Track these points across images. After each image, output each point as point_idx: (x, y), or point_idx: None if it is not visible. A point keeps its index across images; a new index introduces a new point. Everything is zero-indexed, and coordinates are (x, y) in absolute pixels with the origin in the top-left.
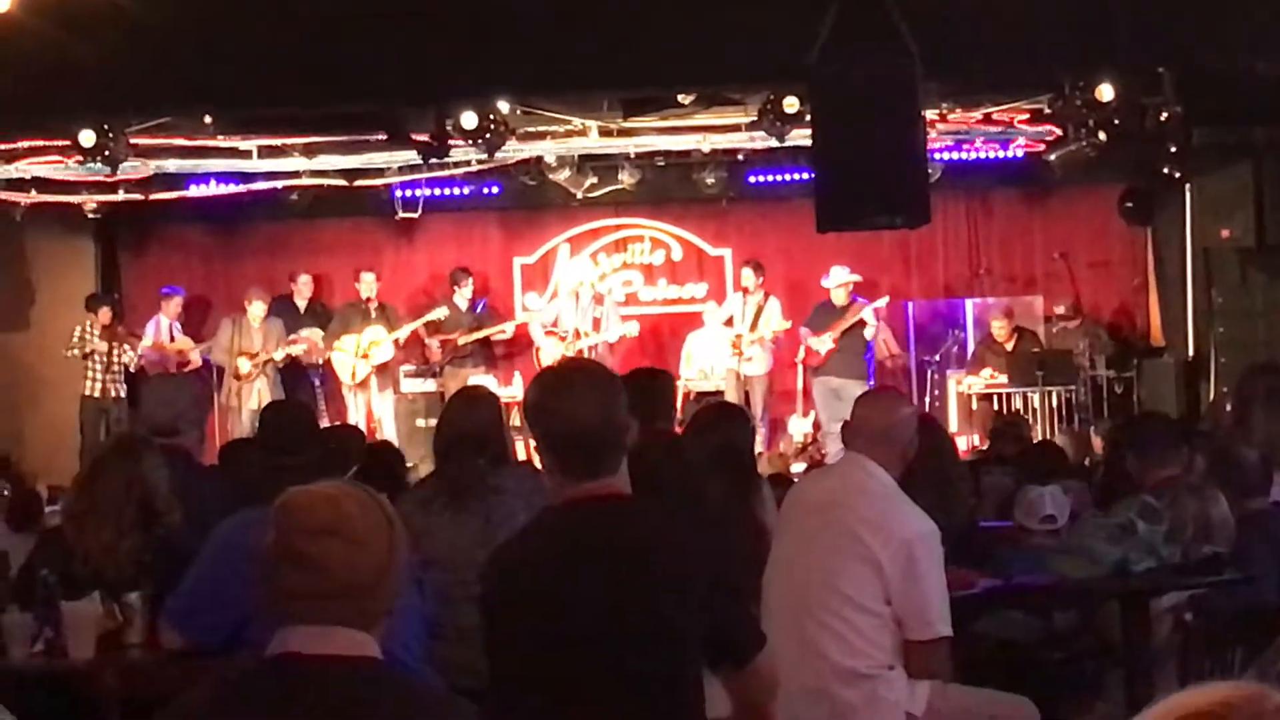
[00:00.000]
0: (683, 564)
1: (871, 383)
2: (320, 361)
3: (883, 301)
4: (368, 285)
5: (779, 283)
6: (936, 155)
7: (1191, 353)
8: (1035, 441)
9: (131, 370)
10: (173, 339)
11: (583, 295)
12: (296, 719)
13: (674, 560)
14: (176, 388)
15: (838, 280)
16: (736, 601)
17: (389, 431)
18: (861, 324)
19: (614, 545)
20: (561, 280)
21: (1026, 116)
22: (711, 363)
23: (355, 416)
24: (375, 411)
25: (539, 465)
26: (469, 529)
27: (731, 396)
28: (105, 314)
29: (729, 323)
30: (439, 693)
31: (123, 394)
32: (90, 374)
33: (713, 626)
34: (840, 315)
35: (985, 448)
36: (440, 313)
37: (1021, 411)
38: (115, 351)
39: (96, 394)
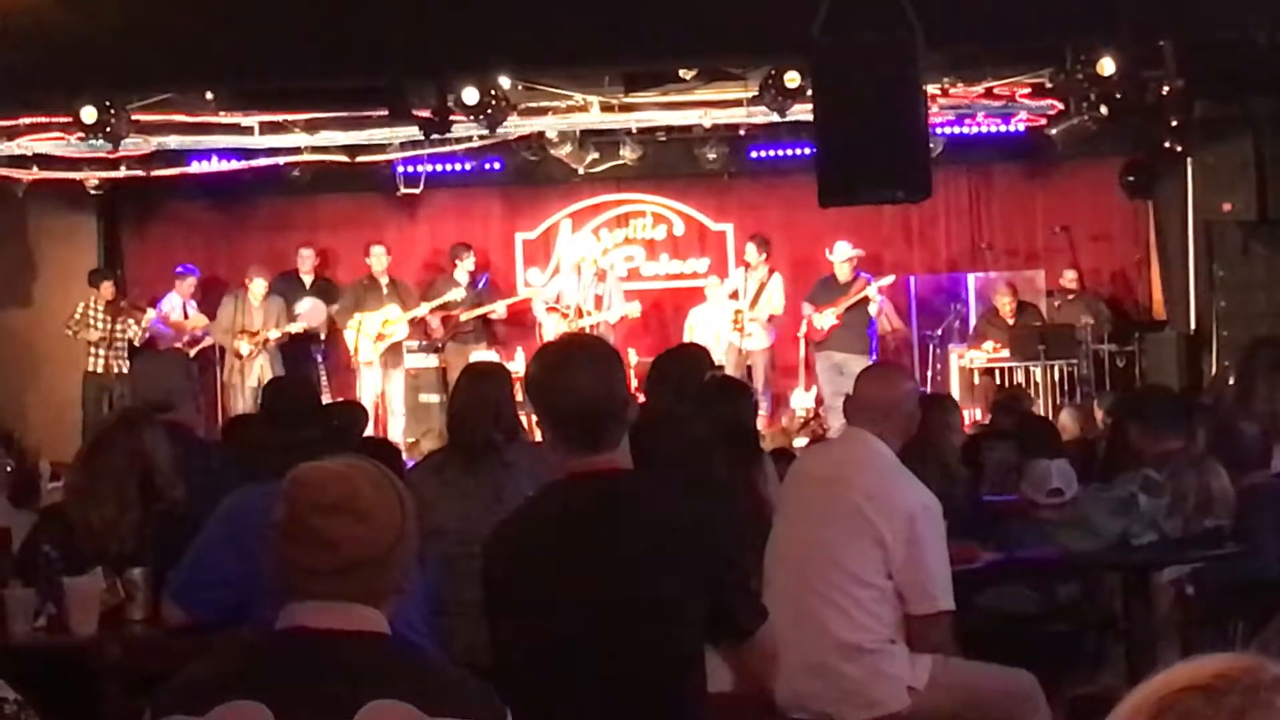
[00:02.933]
0: (684, 538)
1: (875, 358)
2: (323, 336)
3: (888, 280)
4: (378, 259)
5: (781, 257)
6: (938, 130)
7: (1193, 326)
8: (1028, 416)
9: (136, 344)
10: (186, 316)
11: (585, 271)
12: (304, 694)
13: (675, 535)
14: (165, 363)
15: (842, 255)
16: (738, 576)
17: (397, 408)
18: (866, 300)
19: (615, 519)
20: (564, 256)
21: (1028, 90)
22: (713, 338)
23: (365, 393)
24: (384, 388)
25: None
26: (478, 501)
27: (732, 371)
28: (108, 289)
29: (734, 296)
30: (448, 668)
31: (125, 370)
32: (94, 351)
33: (713, 601)
34: (844, 291)
35: (987, 421)
36: (457, 294)
37: (1024, 385)
38: (119, 327)
39: (99, 370)
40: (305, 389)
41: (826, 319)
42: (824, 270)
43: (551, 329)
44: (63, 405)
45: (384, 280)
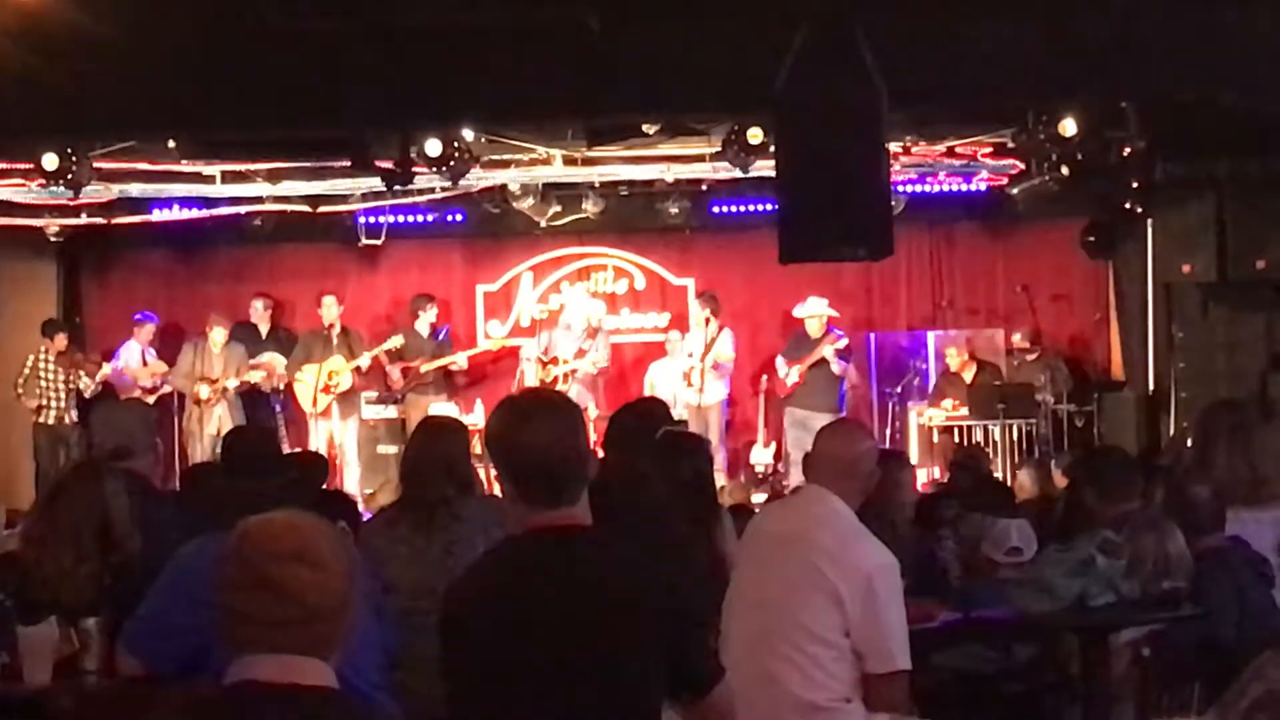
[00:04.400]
0: (642, 595)
1: (844, 414)
2: (280, 387)
3: (843, 342)
4: (329, 309)
5: (741, 313)
6: (900, 188)
7: (1152, 387)
8: (983, 478)
9: (86, 396)
10: (145, 364)
11: (575, 327)
12: None
13: (633, 591)
14: (124, 411)
15: (810, 311)
16: (695, 633)
17: (351, 459)
18: (825, 359)
19: (573, 576)
20: (573, 312)
21: (990, 150)
22: (674, 393)
23: (317, 443)
24: (337, 438)
25: (500, 494)
26: (429, 556)
27: (693, 427)
28: (61, 340)
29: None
30: None
31: (75, 419)
32: (43, 402)
33: (671, 658)
34: (812, 348)
35: (945, 480)
36: (395, 341)
37: (982, 444)
38: (70, 378)
39: (51, 421)
40: (267, 439)
41: (791, 375)
42: (784, 326)
43: (530, 379)
44: (18, 452)
45: (334, 332)
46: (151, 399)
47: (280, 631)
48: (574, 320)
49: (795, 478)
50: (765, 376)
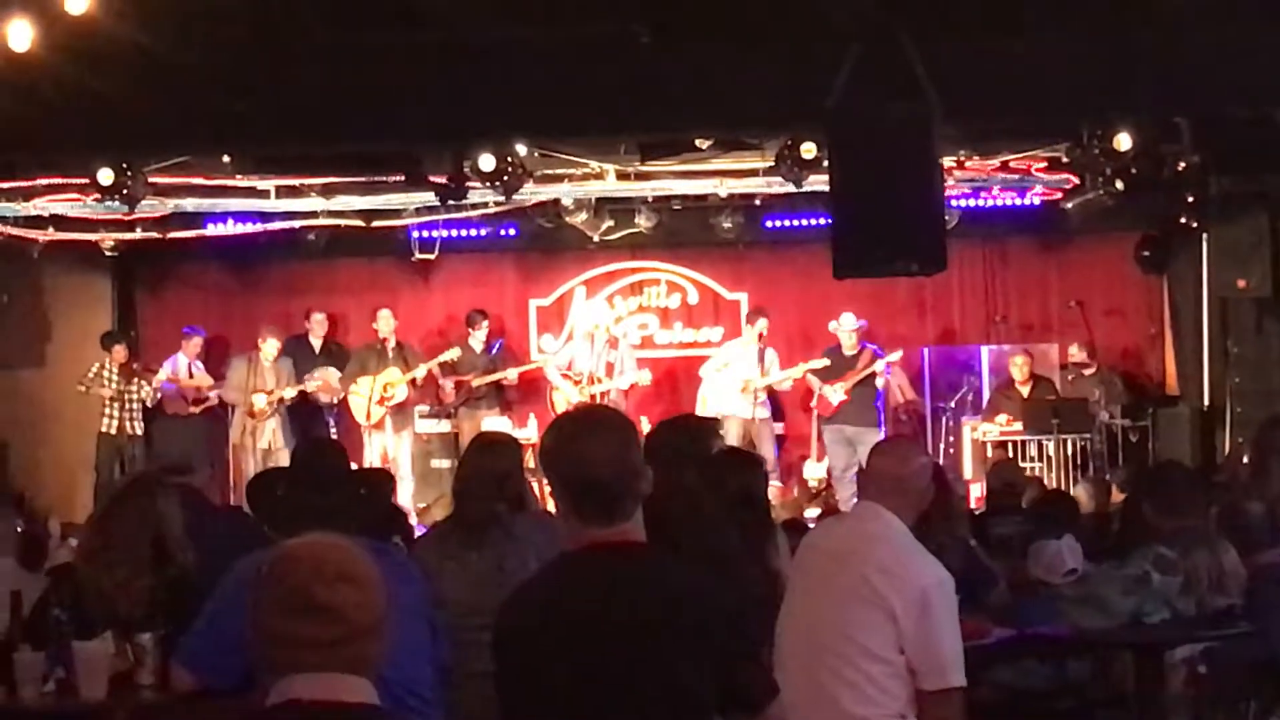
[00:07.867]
0: (696, 612)
1: (883, 429)
2: (335, 401)
3: (896, 355)
4: (384, 322)
5: (794, 328)
6: (954, 202)
7: (1207, 402)
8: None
9: (149, 406)
10: (191, 376)
11: (597, 338)
12: None
13: (687, 609)
14: (185, 428)
15: (847, 326)
16: (749, 650)
17: (404, 473)
18: (873, 375)
19: (627, 593)
20: (577, 323)
21: (1044, 164)
22: (727, 407)
23: (371, 457)
24: (391, 453)
25: (554, 510)
26: (480, 573)
27: (734, 440)
28: (121, 351)
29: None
30: None
31: (139, 431)
32: (108, 411)
33: (725, 675)
34: (851, 365)
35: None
36: (453, 353)
37: (1036, 459)
38: (132, 387)
39: (113, 431)
40: (338, 454)
41: (836, 393)
42: (834, 341)
43: (564, 394)
44: (75, 465)
45: (389, 346)
46: (197, 410)
47: (325, 651)
48: (594, 332)
49: (844, 493)
50: (817, 395)
